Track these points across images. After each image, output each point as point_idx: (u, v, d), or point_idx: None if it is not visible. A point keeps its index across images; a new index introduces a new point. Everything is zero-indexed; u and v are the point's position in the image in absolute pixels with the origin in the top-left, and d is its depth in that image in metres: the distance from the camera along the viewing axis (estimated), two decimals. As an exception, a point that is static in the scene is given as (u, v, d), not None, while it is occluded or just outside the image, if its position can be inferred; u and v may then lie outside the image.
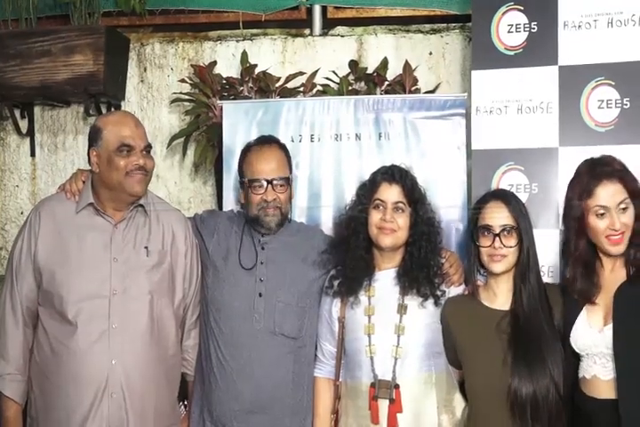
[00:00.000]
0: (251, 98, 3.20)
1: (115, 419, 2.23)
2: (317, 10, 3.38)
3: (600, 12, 2.61)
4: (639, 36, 2.57)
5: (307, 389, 2.41)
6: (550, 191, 2.61)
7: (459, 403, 2.28)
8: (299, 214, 2.85)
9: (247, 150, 2.51)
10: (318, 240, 2.51)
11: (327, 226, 2.78)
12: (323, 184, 2.91)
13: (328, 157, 2.92)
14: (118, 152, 2.27)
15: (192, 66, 3.38)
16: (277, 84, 3.21)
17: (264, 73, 3.24)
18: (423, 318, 2.27)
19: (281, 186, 2.42)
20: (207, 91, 3.23)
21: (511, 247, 2.16)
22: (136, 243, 2.34)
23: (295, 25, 3.43)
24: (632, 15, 2.58)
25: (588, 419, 2.11)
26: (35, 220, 2.34)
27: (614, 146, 2.50)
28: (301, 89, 3.22)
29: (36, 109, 3.59)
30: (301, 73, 3.25)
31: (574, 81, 2.63)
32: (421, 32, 3.33)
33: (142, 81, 3.53)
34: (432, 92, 3.17)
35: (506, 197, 2.23)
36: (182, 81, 3.35)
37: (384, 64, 3.19)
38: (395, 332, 2.25)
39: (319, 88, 3.22)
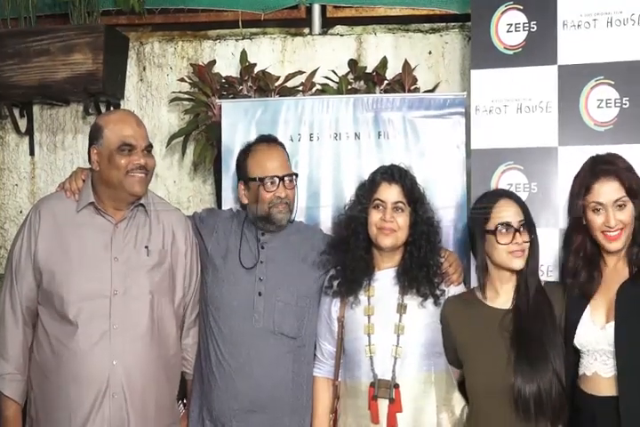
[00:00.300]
0: (250, 97, 3.19)
1: (116, 419, 2.23)
2: (317, 9, 3.38)
3: (599, 12, 2.61)
4: (639, 35, 2.57)
5: (306, 388, 2.41)
6: (550, 191, 2.61)
7: (458, 402, 2.29)
8: (298, 214, 2.84)
9: (250, 149, 2.51)
10: (318, 240, 2.51)
11: (326, 225, 2.78)
12: (322, 183, 2.91)
13: (327, 157, 2.92)
14: (119, 151, 2.27)
15: (191, 65, 3.38)
16: (277, 84, 3.20)
17: (263, 72, 3.23)
18: (423, 317, 2.27)
19: (290, 182, 2.45)
20: (206, 90, 3.22)
21: (527, 242, 2.19)
22: (137, 242, 2.33)
23: (294, 24, 3.43)
24: (631, 14, 2.58)
25: (588, 417, 2.11)
26: (34, 219, 2.33)
27: (613, 145, 2.50)
28: (301, 88, 3.22)
29: (35, 108, 3.58)
30: (301, 72, 3.25)
31: (574, 80, 2.63)
32: (421, 31, 3.33)
33: (141, 80, 3.53)
34: (431, 91, 3.17)
35: (513, 195, 2.29)
36: (181, 80, 3.34)
37: (383, 63, 3.19)
38: (394, 331, 2.25)
39: (318, 87, 3.22)
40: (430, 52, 3.30)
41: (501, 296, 2.23)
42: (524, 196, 2.60)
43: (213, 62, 3.34)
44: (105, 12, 3.44)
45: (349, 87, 3.19)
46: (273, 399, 2.35)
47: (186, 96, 3.31)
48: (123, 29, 3.46)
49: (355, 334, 2.30)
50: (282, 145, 2.56)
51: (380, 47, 3.32)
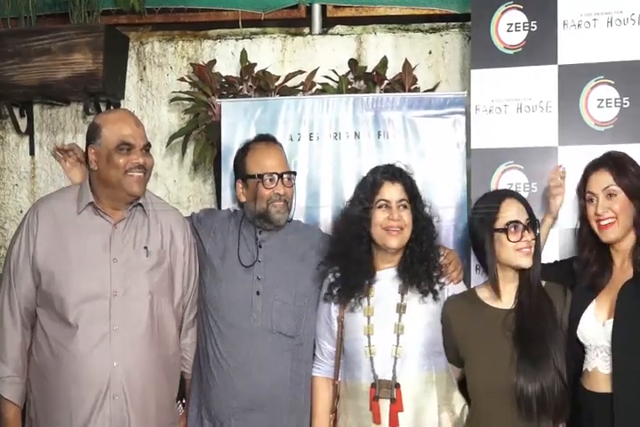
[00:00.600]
0: (250, 97, 3.19)
1: (117, 420, 2.22)
2: (317, 9, 3.38)
3: (600, 11, 2.61)
4: (639, 35, 2.57)
5: (304, 387, 2.41)
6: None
7: (458, 401, 2.29)
8: (297, 214, 2.84)
9: (249, 148, 2.52)
10: (317, 239, 2.51)
11: (326, 225, 2.78)
12: (322, 183, 2.91)
13: (327, 156, 2.92)
14: (118, 150, 2.26)
15: (191, 64, 3.38)
16: (277, 83, 3.20)
17: (263, 72, 3.23)
18: (423, 316, 2.27)
19: (289, 180, 2.46)
20: (206, 89, 3.22)
21: (534, 239, 2.21)
22: (135, 243, 2.33)
23: (294, 24, 3.43)
24: (632, 14, 2.58)
25: (588, 415, 2.12)
26: (32, 219, 2.32)
27: (614, 145, 2.50)
28: (301, 88, 3.22)
29: (36, 108, 3.58)
30: (301, 72, 3.25)
31: (574, 80, 2.63)
32: (421, 31, 3.33)
33: (142, 80, 3.53)
34: (431, 91, 3.17)
35: (517, 194, 2.32)
36: (182, 80, 3.34)
37: (383, 63, 3.19)
38: (394, 331, 2.25)
39: (318, 87, 3.22)
40: (430, 52, 3.30)
41: (504, 296, 2.23)
42: (524, 195, 2.59)
43: (213, 62, 3.34)
44: (105, 11, 3.44)
45: (349, 87, 3.19)
46: (271, 398, 2.35)
47: (186, 96, 3.31)
48: (123, 29, 3.47)
49: (354, 334, 2.30)
50: (280, 144, 2.57)
51: (380, 47, 3.32)
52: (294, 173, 2.52)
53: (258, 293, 2.39)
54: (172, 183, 3.50)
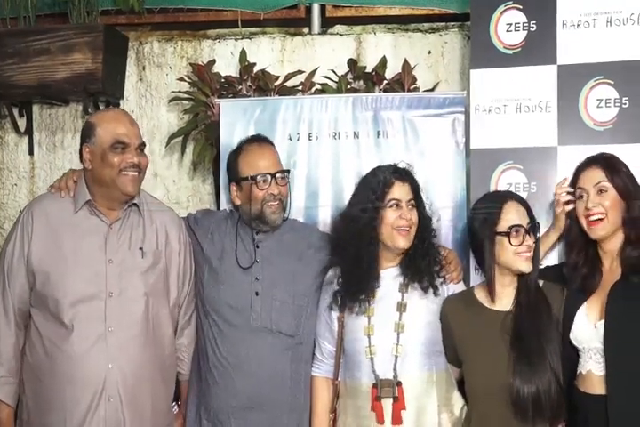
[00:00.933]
0: (249, 97, 3.19)
1: (112, 422, 2.21)
2: (316, 8, 3.38)
3: (599, 11, 2.61)
4: (638, 35, 2.57)
5: (304, 386, 2.41)
6: (549, 190, 2.60)
7: (457, 401, 2.28)
8: (296, 213, 2.84)
9: (240, 150, 2.50)
10: (315, 238, 2.51)
11: (325, 225, 2.78)
12: (321, 183, 2.91)
13: (326, 156, 2.92)
14: (112, 149, 2.25)
15: (191, 64, 3.38)
16: (276, 83, 3.20)
17: (263, 72, 3.23)
18: (424, 315, 2.27)
19: (282, 179, 2.45)
20: (206, 89, 3.22)
21: (535, 243, 2.21)
22: (131, 244, 2.31)
23: (294, 24, 3.43)
24: (631, 14, 2.58)
25: (583, 417, 2.12)
26: (27, 220, 2.30)
27: (613, 145, 2.50)
28: (300, 88, 3.22)
29: (35, 108, 3.58)
30: (300, 72, 3.24)
31: (573, 80, 2.63)
32: (420, 31, 3.33)
33: (141, 79, 3.53)
34: (431, 91, 3.17)
35: (518, 197, 2.30)
36: (181, 79, 3.34)
37: (383, 63, 3.19)
38: (394, 330, 2.25)
39: (318, 87, 3.22)
40: (430, 52, 3.30)
41: (502, 299, 2.23)
42: (523, 196, 2.58)
43: (213, 62, 3.34)
44: (104, 11, 3.44)
45: (349, 87, 3.19)
46: (271, 397, 2.35)
47: (185, 96, 3.31)
48: (122, 29, 3.46)
49: (354, 334, 2.30)
50: (272, 144, 2.56)
51: (380, 47, 3.32)
52: (287, 172, 2.50)
53: (257, 293, 2.39)
54: (171, 183, 3.49)
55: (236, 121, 2.96)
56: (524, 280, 2.22)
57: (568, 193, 2.34)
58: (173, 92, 3.38)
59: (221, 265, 2.44)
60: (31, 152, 3.59)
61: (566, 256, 2.32)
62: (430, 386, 2.25)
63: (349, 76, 3.21)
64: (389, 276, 2.32)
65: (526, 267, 2.19)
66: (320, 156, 2.92)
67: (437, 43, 3.30)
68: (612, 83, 2.58)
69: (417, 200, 2.32)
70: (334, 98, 2.98)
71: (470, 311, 2.24)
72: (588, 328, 2.13)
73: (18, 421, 2.31)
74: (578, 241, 2.27)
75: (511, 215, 2.20)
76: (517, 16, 2.70)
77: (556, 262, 2.52)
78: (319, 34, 3.40)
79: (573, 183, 2.30)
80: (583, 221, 2.22)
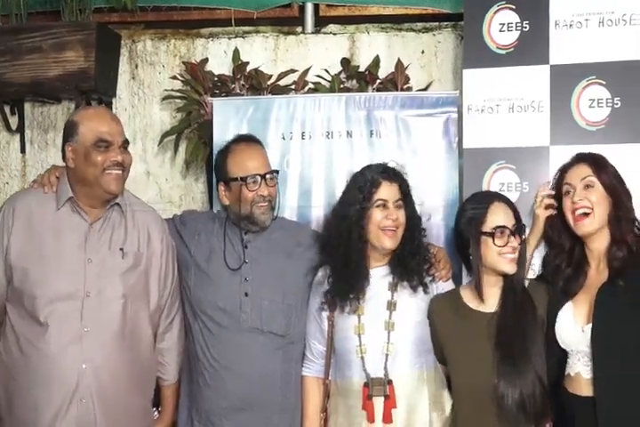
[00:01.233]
0: (242, 95, 3.19)
1: (83, 424, 2.18)
2: (309, 8, 3.38)
3: (591, 12, 2.62)
4: (630, 35, 2.58)
5: (295, 386, 2.40)
6: (541, 190, 2.62)
7: (447, 400, 2.29)
8: (289, 213, 2.84)
9: (229, 150, 2.48)
10: (304, 236, 2.50)
11: (318, 224, 2.77)
12: (314, 182, 2.91)
13: (319, 155, 2.92)
14: (96, 147, 2.22)
15: (184, 63, 3.38)
16: (269, 82, 3.20)
17: (256, 70, 3.23)
18: (414, 314, 2.27)
19: (272, 179, 2.43)
20: (199, 88, 3.22)
21: (521, 244, 2.21)
22: (111, 244, 2.28)
23: (287, 23, 3.43)
24: (623, 15, 2.59)
25: (572, 418, 2.12)
26: (8, 214, 2.27)
27: (605, 145, 2.51)
28: (293, 87, 3.22)
29: (27, 106, 3.56)
30: (293, 71, 3.24)
31: (565, 80, 2.63)
32: (413, 30, 3.34)
33: (133, 78, 3.52)
34: (424, 90, 3.18)
35: (505, 198, 2.29)
36: (174, 78, 3.34)
37: (376, 62, 3.20)
38: (385, 328, 2.25)
39: (311, 86, 3.22)
40: (423, 52, 3.31)
41: (488, 300, 2.22)
42: (515, 195, 2.61)
43: (206, 60, 3.34)
44: (97, 9, 3.42)
45: (342, 86, 3.19)
46: (262, 397, 2.35)
47: (178, 94, 3.31)
48: (115, 27, 3.46)
49: (345, 333, 2.30)
50: (260, 143, 2.53)
51: (373, 46, 3.32)
52: (276, 172, 2.48)
53: (246, 294, 2.38)
54: (163, 182, 3.49)
55: (228, 120, 2.96)
56: (509, 281, 2.21)
57: (550, 196, 2.35)
58: (166, 90, 3.37)
59: (209, 266, 2.43)
60: (23, 150, 3.58)
61: (547, 257, 2.32)
62: (421, 384, 2.25)
63: (342, 76, 3.21)
64: (379, 275, 2.32)
65: (510, 268, 2.19)
66: (313, 155, 2.93)
67: (430, 42, 3.31)
68: (604, 83, 2.59)
69: (406, 200, 2.31)
70: (327, 97, 2.98)
71: (455, 312, 2.24)
72: (575, 332, 2.12)
73: None
74: (562, 241, 2.26)
75: (496, 216, 2.20)
76: (510, 16, 2.70)
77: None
78: (312, 33, 3.40)
79: (559, 183, 2.29)
80: (570, 217, 2.20)
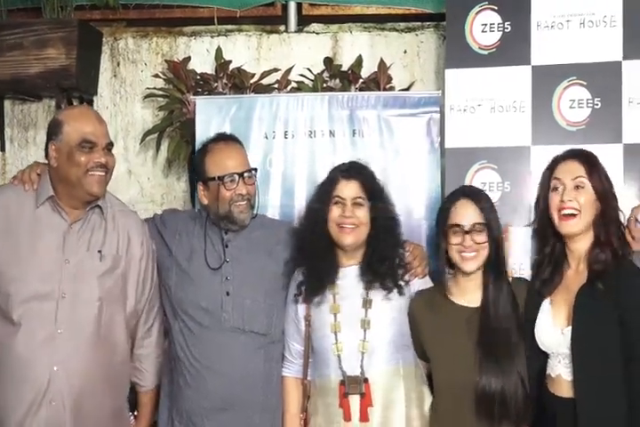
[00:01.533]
0: (225, 94, 3.18)
1: (52, 426, 2.15)
2: (292, 7, 3.38)
3: (572, 13, 2.64)
4: (610, 36, 2.60)
5: (276, 386, 2.39)
6: (522, 189, 2.64)
7: (427, 396, 2.29)
8: (272, 211, 2.85)
9: (207, 149, 2.45)
10: (283, 233, 2.48)
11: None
12: (296, 181, 2.92)
13: (302, 154, 2.93)
14: (80, 148, 2.19)
15: (166, 61, 3.37)
16: (252, 81, 3.20)
17: (239, 69, 3.23)
18: (389, 311, 2.27)
19: (250, 178, 2.41)
20: (181, 86, 3.21)
21: (481, 244, 2.17)
22: (90, 246, 2.24)
23: (270, 21, 3.43)
24: (603, 16, 2.61)
25: (553, 417, 2.12)
26: None
27: (585, 145, 2.51)
28: (276, 86, 3.22)
29: (7, 103, 3.53)
30: (276, 70, 3.24)
31: (547, 81, 2.66)
32: (396, 30, 3.35)
33: (115, 76, 3.50)
34: (406, 90, 3.19)
35: (474, 195, 2.25)
36: (156, 76, 3.33)
37: (359, 62, 3.20)
38: (361, 327, 2.25)
39: (294, 85, 3.22)
40: (405, 51, 3.32)
41: (468, 295, 2.23)
42: (497, 195, 2.62)
43: (188, 59, 3.33)
44: (78, 6, 3.39)
45: (325, 85, 3.19)
46: (243, 397, 2.33)
47: (160, 92, 3.30)
48: (96, 24, 3.44)
49: (321, 332, 2.30)
50: (239, 142, 2.50)
51: (356, 46, 3.33)
52: (255, 170, 2.45)
53: (228, 293, 2.37)
54: (145, 180, 3.47)
55: (211, 118, 2.96)
56: (487, 277, 2.21)
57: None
58: (148, 88, 3.36)
59: (190, 266, 2.41)
60: (2, 148, 3.55)
61: (537, 252, 2.26)
62: (397, 380, 2.25)
63: (325, 75, 3.22)
64: (351, 273, 2.32)
65: (467, 266, 2.19)
66: (296, 154, 2.93)
67: (413, 42, 3.32)
68: (585, 84, 2.62)
69: (373, 199, 2.30)
70: (310, 96, 2.99)
71: (436, 306, 2.24)
72: (555, 334, 2.11)
73: None
74: (546, 237, 2.20)
75: (454, 214, 2.20)
76: (492, 17, 2.72)
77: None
78: (295, 32, 3.40)
79: (548, 175, 2.19)
80: (555, 215, 2.14)
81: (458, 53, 2.76)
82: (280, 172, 2.92)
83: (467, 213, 2.19)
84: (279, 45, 3.39)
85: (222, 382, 2.33)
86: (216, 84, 3.22)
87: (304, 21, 3.41)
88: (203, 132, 2.91)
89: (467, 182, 2.69)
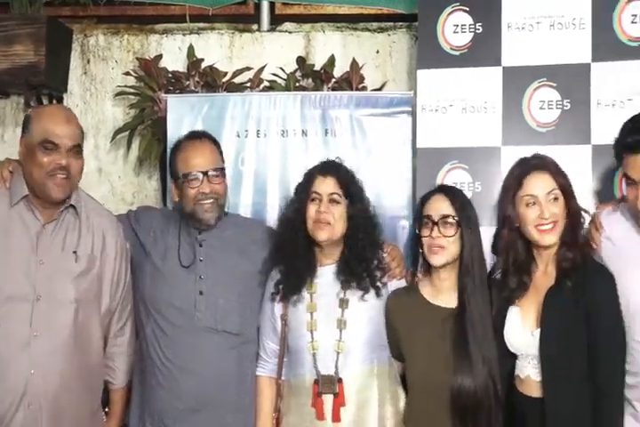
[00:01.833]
0: (197, 92, 3.17)
1: None
2: (265, 5, 3.37)
3: (542, 15, 2.68)
4: (579, 39, 2.64)
5: (250, 385, 2.38)
6: (493, 189, 2.64)
7: (401, 395, 2.30)
8: (244, 210, 2.84)
9: (179, 147, 2.45)
10: (259, 233, 2.48)
11: (273, 221, 2.77)
12: (268, 180, 2.91)
13: (274, 153, 2.92)
14: (42, 148, 2.13)
15: (137, 59, 3.33)
16: (224, 79, 3.18)
17: (211, 68, 3.21)
18: (365, 311, 2.27)
19: (216, 177, 2.38)
20: (152, 84, 3.18)
21: (449, 237, 2.18)
22: (65, 246, 2.21)
23: (243, 20, 3.41)
24: (573, 18, 2.65)
25: (522, 417, 2.15)
26: None
27: (555, 146, 2.57)
28: (248, 84, 3.20)
29: (-26, 100, 3.49)
30: (248, 68, 3.23)
31: (517, 82, 2.69)
32: (369, 30, 3.35)
33: (85, 73, 3.46)
34: (379, 90, 3.20)
35: (449, 191, 2.28)
36: (127, 74, 3.30)
37: (331, 61, 3.21)
38: (337, 326, 2.25)
39: (266, 84, 3.22)
40: (378, 51, 3.33)
41: (443, 294, 2.25)
42: (468, 195, 2.62)
43: (160, 57, 3.31)
44: (48, 2, 3.34)
45: (297, 84, 3.19)
46: (216, 397, 2.33)
47: (131, 90, 3.27)
48: (66, 21, 3.39)
49: (298, 331, 2.29)
50: (212, 140, 2.48)
51: (329, 45, 3.33)
52: (222, 169, 2.43)
53: (201, 292, 2.36)
54: (116, 179, 3.44)
55: (183, 117, 2.94)
56: (461, 278, 2.21)
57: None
58: (119, 86, 3.33)
59: (164, 265, 2.40)
60: (-30, 146, 3.49)
61: (502, 257, 2.24)
62: (371, 379, 2.26)
63: (298, 74, 3.22)
64: (328, 272, 2.32)
65: (435, 260, 2.20)
66: (268, 153, 2.93)
67: (385, 42, 3.33)
68: (555, 85, 2.65)
69: (350, 197, 2.29)
70: (283, 95, 2.98)
71: (413, 306, 2.25)
72: (524, 336, 2.13)
73: None
74: (515, 248, 2.20)
75: (428, 206, 2.22)
76: (464, 18, 2.75)
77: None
78: (268, 31, 3.39)
79: (517, 189, 2.17)
80: (533, 231, 2.14)
81: (430, 54, 2.77)
82: (252, 171, 2.91)
83: (438, 206, 2.21)
84: (252, 44, 3.38)
85: (195, 382, 2.32)
86: (188, 83, 3.20)
87: (277, 20, 3.40)
88: (174, 131, 2.90)
89: (438, 182, 2.71)
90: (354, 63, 3.16)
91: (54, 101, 3.36)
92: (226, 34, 3.40)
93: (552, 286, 2.12)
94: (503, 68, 2.70)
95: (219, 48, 3.38)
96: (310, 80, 3.22)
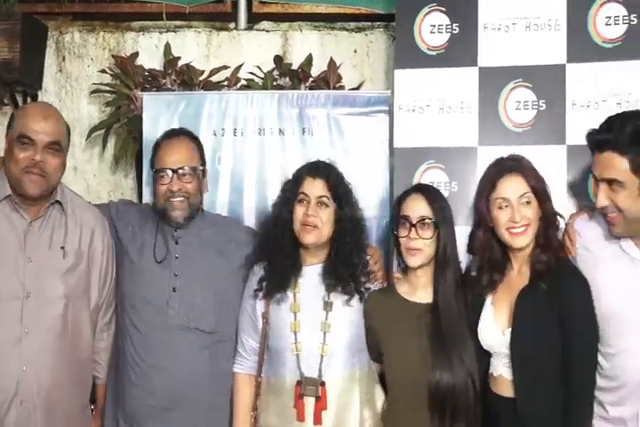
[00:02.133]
0: (174, 91, 3.15)
1: (24, 426, 2.12)
2: (242, 4, 3.36)
3: (518, 16, 2.69)
4: (555, 40, 2.66)
5: (224, 384, 2.37)
6: (469, 189, 2.65)
7: (379, 397, 2.30)
8: (221, 208, 2.83)
9: (158, 144, 2.45)
10: (237, 232, 2.48)
11: (250, 219, 2.79)
12: (245, 179, 2.91)
13: (251, 152, 2.92)
14: (19, 143, 2.15)
15: (113, 56, 3.31)
16: (201, 78, 3.18)
17: (187, 66, 3.20)
18: (348, 314, 2.27)
19: (187, 175, 2.37)
20: (129, 82, 3.17)
21: (427, 239, 2.19)
22: (52, 243, 2.22)
23: (220, 18, 3.41)
24: (548, 20, 2.67)
25: (496, 416, 2.16)
26: None
27: (530, 146, 2.58)
28: (225, 83, 3.20)
29: (-54, 97, 3.44)
30: (225, 67, 3.23)
31: (493, 82, 2.70)
32: (346, 30, 3.36)
33: (61, 70, 3.43)
34: (356, 89, 3.21)
35: (426, 191, 2.28)
36: (103, 71, 3.28)
37: (309, 60, 3.21)
38: (321, 329, 2.24)
39: (243, 83, 3.21)
40: (355, 51, 3.34)
41: (419, 291, 2.25)
42: (444, 194, 2.63)
43: (136, 54, 3.29)
44: (23, -2, 3.32)
45: (275, 83, 3.19)
46: (189, 396, 2.32)
47: (107, 88, 3.25)
48: (41, 18, 3.36)
49: (281, 331, 2.28)
50: (193, 138, 2.48)
51: (306, 44, 3.33)
52: (195, 168, 2.40)
53: (174, 289, 2.35)
54: (91, 177, 3.41)
55: (159, 115, 2.92)
56: (436, 274, 2.22)
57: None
58: (95, 84, 3.30)
59: (140, 260, 2.39)
60: (-58, 143, 3.44)
61: (478, 258, 2.26)
62: (353, 384, 2.26)
63: (275, 73, 3.22)
64: (313, 272, 2.31)
65: (411, 261, 2.20)
66: (245, 152, 2.92)
67: (363, 42, 3.34)
68: (530, 86, 2.66)
69: (338, 200, 2.28)
70: (260, 94, 2.98)
71: (389, 303, 2.26)
72: (496, 335, 2.14)
73: None
74: (488, 244, 2.22)
75: (405, 206, 2.22)
76: (440, 18, 2.75)
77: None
78: (245, 29, 3.38)
79: (490, 191, 2.19)
80: (504, 232, 2.16)
81: (407, 54, 2.78)
82: (229, 169, 2.90)
83: (416, 207, 2.21)
84: (229, 43, 3.37)
85: (168, 380, 2.31)
86: (164, 81, 3.18)
87: (254, 19, 3.39)
88: (150, 129, 2.88)
89: (415, 182, 2.71)
90: (331, 62, 3.16)
91: (29, 99, 3.33)
92: (203, 32, 3.39)
93: (525, 286, 2.14)
94: (479, 68, 2.71)
95: (196, 46, 3.37)
96: (288, 79, 3.22)
